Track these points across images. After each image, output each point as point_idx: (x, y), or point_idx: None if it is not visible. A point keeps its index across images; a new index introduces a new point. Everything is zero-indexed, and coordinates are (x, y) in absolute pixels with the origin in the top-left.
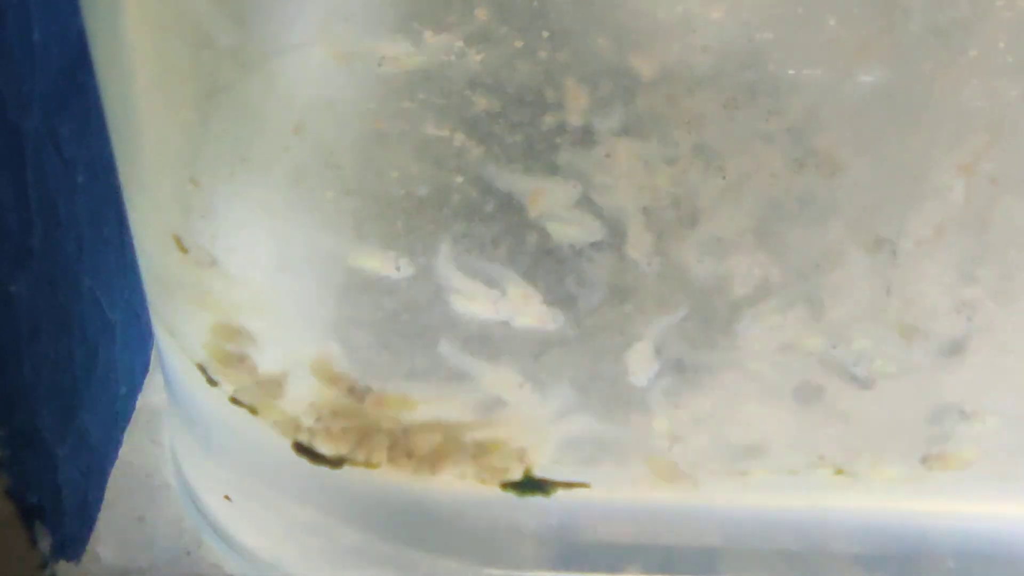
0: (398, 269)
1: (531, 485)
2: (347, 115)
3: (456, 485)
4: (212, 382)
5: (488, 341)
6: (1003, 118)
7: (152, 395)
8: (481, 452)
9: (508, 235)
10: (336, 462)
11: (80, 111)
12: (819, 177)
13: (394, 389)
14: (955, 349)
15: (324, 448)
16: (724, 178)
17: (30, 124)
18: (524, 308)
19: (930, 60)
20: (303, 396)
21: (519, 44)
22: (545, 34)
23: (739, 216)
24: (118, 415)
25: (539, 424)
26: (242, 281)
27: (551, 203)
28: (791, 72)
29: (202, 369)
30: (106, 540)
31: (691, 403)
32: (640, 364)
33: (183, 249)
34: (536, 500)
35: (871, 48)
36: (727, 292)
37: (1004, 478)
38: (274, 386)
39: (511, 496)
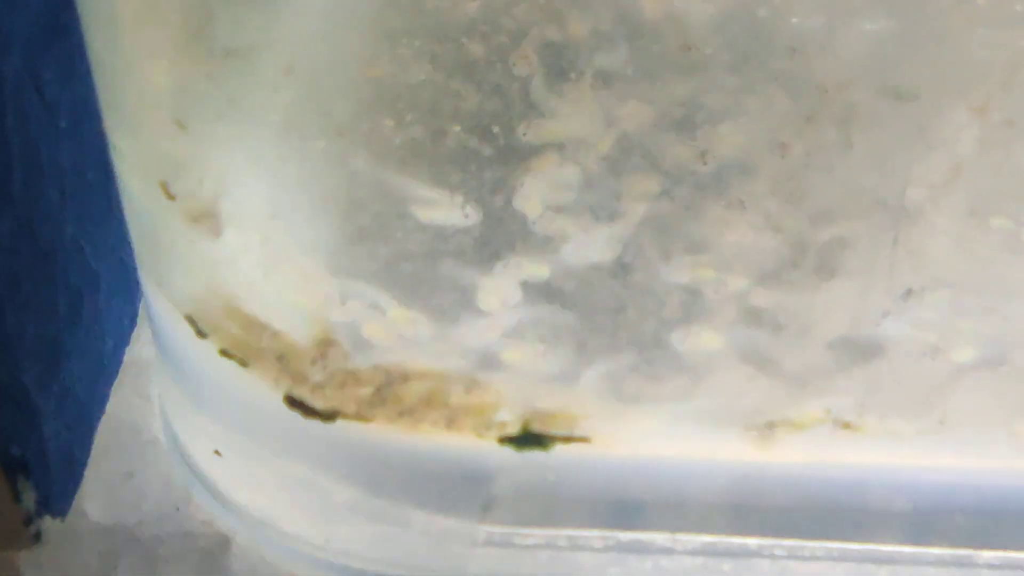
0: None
1: (529, 439)
2: (339, 58)
3: (452, 439)
4: (201, 334)
5: None
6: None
7: (140, 348)
8: (476, 407)
9: (505, 184)
10: (329, 416)
11: (63, 53)
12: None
13: (390, 342)
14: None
15: (316, 402)
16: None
17: (10, 66)
18: None
19: (937, 7)
20: (295, 348)
21: None
22: None
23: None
24: (105, 368)
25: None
26: (231, 229)
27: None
28: (795, 20)
29: (191, 321)
30: (93, 496)
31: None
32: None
33: (170, 196)
34: (534, 454)
35: None
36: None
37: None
38: (266, 337)
39: (508, 450)
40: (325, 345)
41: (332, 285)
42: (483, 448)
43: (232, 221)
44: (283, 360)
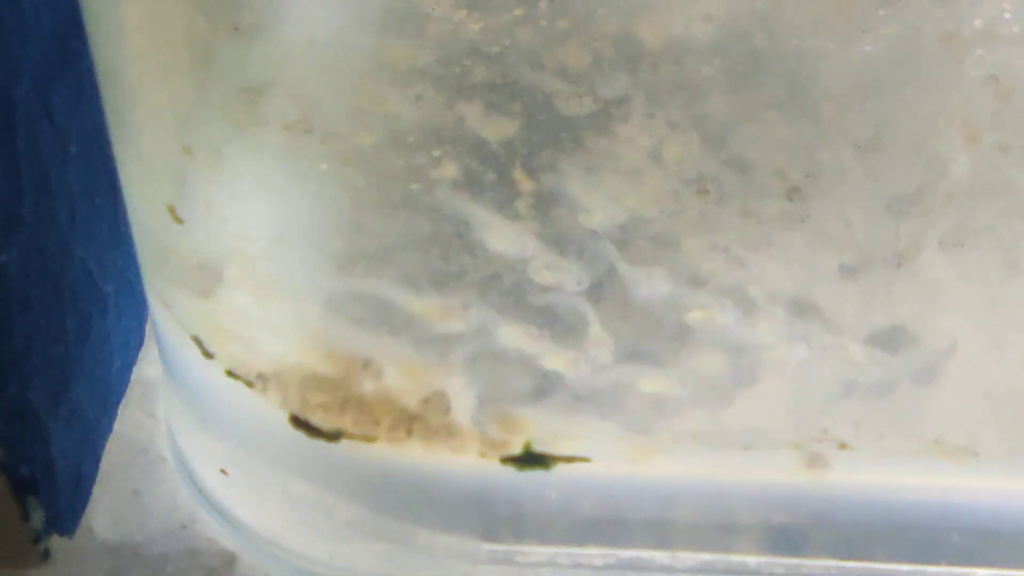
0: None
1: (531, 459)
2: (343, 86)
3: (455, 459)
4: (208, 354)
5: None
6: (1008, 88)
7: (147, 368)
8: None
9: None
10: (333, 436)
11: (73, 79)
12: (823, 149)
13: (393, 363)
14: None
15: (321, 422)
16: (726, 149)
17: (21, 92)
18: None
19: (934, 29)
20: (300, 369)
21: (519, 12)
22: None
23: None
24: (112, 388)
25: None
26: (237, 252)
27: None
28: (794, 41)
29: (197, 341)
30: (100, 514)
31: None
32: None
33: (178, 220)
34: (536, 474)
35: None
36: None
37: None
38: (271, 359)
39: (511, 470)
40: (331, 367)
41: (338, 307)
42: (485, 468)
43: (237, 244)
44: (288, 381)
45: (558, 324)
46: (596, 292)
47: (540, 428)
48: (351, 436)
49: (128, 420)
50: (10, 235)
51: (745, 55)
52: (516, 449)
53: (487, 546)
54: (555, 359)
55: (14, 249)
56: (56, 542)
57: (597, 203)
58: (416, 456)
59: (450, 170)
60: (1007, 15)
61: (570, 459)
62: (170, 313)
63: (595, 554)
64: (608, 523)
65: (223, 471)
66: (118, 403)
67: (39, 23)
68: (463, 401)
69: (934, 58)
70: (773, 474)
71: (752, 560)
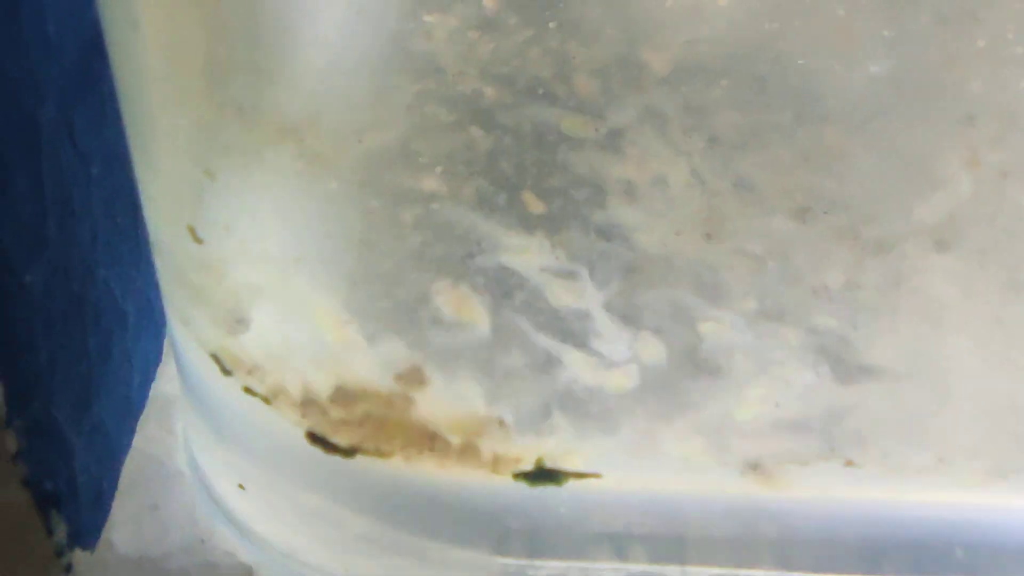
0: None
1: (543, 475)
2: (357, 111)
3: (468, 475)
4: (226, 371)
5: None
6: (1012, 109)
7: (165, 384)
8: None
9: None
10: (349, 451)
11: (95, 103)
12: (827, 168)
13: (409, 379)
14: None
15: (337, 438)
16: (731, 167)
17: (45, 115)
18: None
19: (938, 50)
20: (317, 386)
21: (529, 33)
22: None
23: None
24: (132, 404)
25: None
26: (256, 272)
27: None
28: (800, 63)
29: (216, 359)
30: (120, 529)
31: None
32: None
33: (197, 240)
34: (548, 490)
35: (878, 38)
36: (733, 281)
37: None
38: (288, 376)
39: (523, 486)
40: (346, 384)
41: (355, 327)
42: (498, 483)
43: (256, 265)
44: (305, 399)
45: (570, 339)
46: (609, 306)
47: (552, 444)
48: (366, 452)
49: (147, 436)
50: (34, 255)
51: (750, 77)
52: (528, 466)
53: (500, 560)
54: (568, 372)
55: (39, 269)
56: (78, 556)
57: (607, 219)
58: (430, 471)
59: (461, 190)
60: (1010, 36)
61: (581, 475)
62: (188, 331)
63: (606, 568)
64: (619, 538)
65: (241, 486)
66: (137, 419)
67: (63, 46)
68: (477, 416)
69: (937, 80)
70: (778, 490)
71: (759, 574)
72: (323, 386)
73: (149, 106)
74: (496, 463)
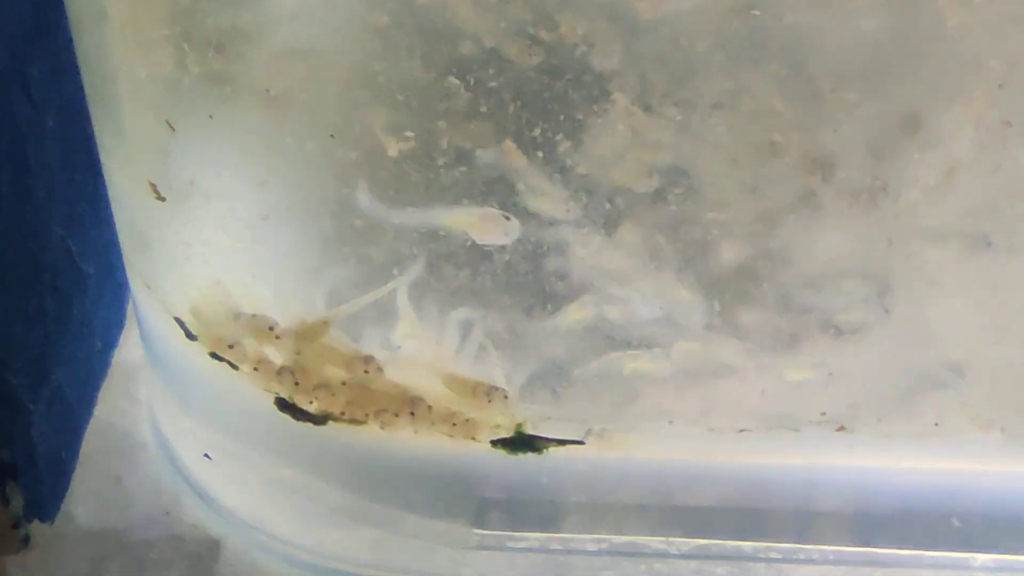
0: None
1: (522, 443)
2: (329, 61)
3: (444, 443)
4: (190, 337)
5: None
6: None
7: (128, 351)
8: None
9: (499, 186)
10: (320, 419)
11: (50, 52)
12: (823, 125)
13: (378, 343)
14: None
15: (307, 405)
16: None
17: None
18: None
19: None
20: (286, 350)
21: None
22: None
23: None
24: (93, 371)
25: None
26: (221, 231)
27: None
28: (793, 16)
29: (180, 323)
30: (81, 500)
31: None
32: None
33: (160, 197)
34: (527, 458)
35: None
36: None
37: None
38: (257, 339)
39: (502, 454)
40: (315, 348)
41: (324, 287)
42: (476, 451)
43: (221, 223)
44: (272, 363)
45: (550, 303)
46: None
47: (531, 410)
48: (338, 419)
49: (109, 404)
50: None
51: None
52: (507, 433)
53: (478, 531)
54: (551, 339)
55: None
56: (36, 528)
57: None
58: (405, 440)
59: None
60: None
61: (562, 442)
62: (152, 294)
63: (588, 539)
64: (601, 508)
65: (207, 455)
66: (99, 387)
67: None
68: (456, 379)
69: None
70: (768, 458)
71: (747, 545)
72: (293, 350)
73: (108, 55)
74: (474, 429)
